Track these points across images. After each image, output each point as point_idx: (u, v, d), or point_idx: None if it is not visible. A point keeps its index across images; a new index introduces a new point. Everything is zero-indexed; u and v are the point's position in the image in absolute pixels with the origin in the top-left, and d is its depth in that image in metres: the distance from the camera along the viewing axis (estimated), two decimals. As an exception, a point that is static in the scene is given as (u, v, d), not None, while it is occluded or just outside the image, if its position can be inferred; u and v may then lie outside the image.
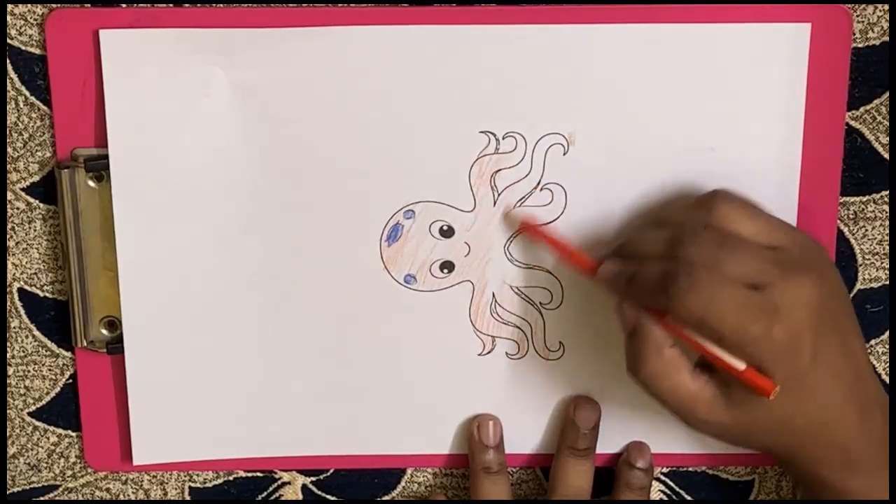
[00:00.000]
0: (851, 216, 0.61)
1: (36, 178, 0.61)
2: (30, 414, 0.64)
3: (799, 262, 0.51)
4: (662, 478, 0.65)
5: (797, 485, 0.60)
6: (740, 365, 0.51)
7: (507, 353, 0.62)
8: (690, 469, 0.65)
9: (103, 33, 0.57)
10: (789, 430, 0.53)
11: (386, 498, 0.66)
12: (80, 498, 0.65)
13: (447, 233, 0.60)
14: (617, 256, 0.56)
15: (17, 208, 0.61)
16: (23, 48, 0.58)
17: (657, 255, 0.53)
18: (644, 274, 0.52)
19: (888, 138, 0.60)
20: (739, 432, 0.53)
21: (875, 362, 0.63)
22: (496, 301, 0.61)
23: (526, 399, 0.63)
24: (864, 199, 0.61)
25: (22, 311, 0.63)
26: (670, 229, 0.53)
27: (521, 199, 0.60)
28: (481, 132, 0.59)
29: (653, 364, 0.53)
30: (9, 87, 0.59)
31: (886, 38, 0.58)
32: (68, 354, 0.63)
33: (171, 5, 0.58)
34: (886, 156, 0.60)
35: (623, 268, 0.54)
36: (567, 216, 0.60)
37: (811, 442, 0.53)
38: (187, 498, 0.66)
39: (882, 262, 0.62)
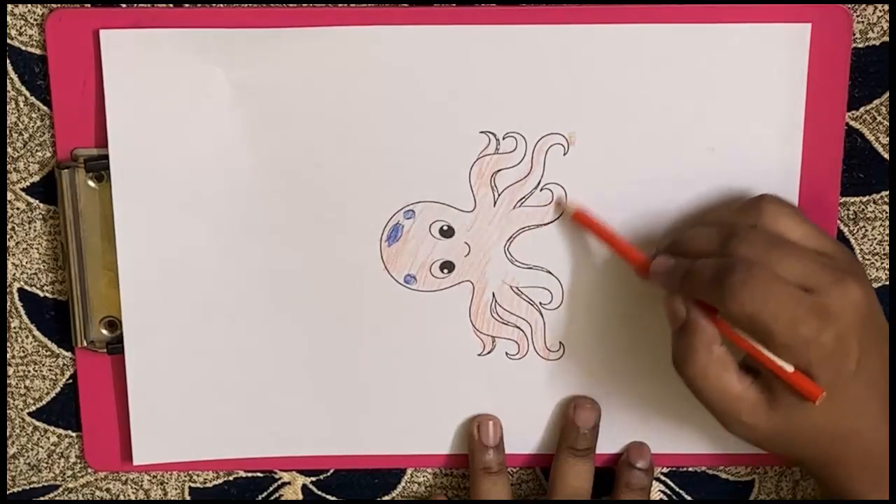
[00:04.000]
0: (851, 216, 0.61)
1: (36, 178, 0.61)
2: (30, 414, 0.64)
3: (847, 269, 0.52)
4: (662, 478, 0.65)
5: (823, 493, 0.60)
6: (789, 367, 0.50)
7: (507, 353, 0.62)
8: (690, 469, 0.65)
9: (103, 33, 0.57)
10: (827, 438, 0.52)
11: (386, 498, 0.66)
12: (80, 498, 0.65)
13: (447, 233, 0.60)
14: (666, 253, 0.55)
15: (17, 208, 0.61)
16: (23, 48, 0.58)
17: (710, 253, 0.53)
18: (699, 268, 0.52)
19: (888, 138, 0.60)
20: (779, 438, 0.53)
21: (875, 362, 0.63)
22: (496, 301, 0.61)
23: (526, 399, 0.63)
24: (864, 199, 0.61)
25: (22, 311, 0.63)
26: (721, 228, 0.53)
27: (521, 199, 0.60)
28: (481, 132, 0.59)
29: (702, 360, 0.52)
30: (9, 87, 0.59)
31: (886, 38, 0.58)
32: (68, 354, 0.63)
33: (171, 5, 0.58)
34: (886, 156, 0.60)
35: (677, 262, 0.54)
36: (567, 216, 0.60)
37: (845, 451, 0.53)
38: (187, 498, 0.66)
39: (882, 262, 0.62)
